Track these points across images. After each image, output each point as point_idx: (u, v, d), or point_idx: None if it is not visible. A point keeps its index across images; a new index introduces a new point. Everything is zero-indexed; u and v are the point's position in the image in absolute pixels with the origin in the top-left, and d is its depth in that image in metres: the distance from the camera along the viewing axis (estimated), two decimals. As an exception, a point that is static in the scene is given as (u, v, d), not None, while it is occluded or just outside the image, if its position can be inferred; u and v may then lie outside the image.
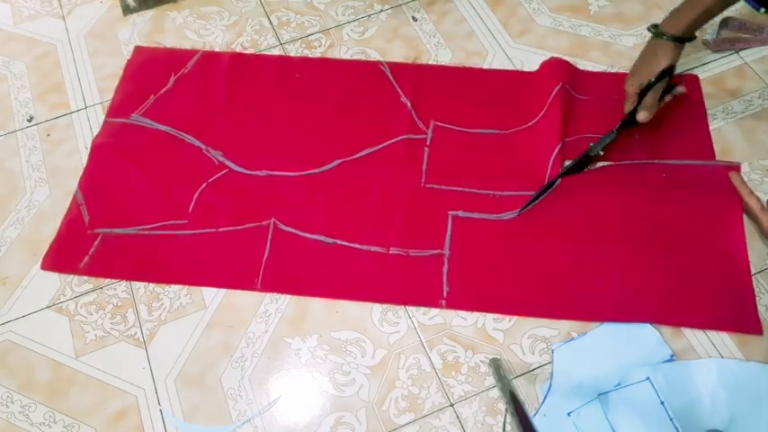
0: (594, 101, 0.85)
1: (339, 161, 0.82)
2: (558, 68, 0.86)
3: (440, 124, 0.84)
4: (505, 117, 0.85)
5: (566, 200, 0.77)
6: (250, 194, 0.80)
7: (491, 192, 0.79)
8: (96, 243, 0.77)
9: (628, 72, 0.79)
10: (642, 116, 0.77)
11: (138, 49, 0.95)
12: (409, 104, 0.86)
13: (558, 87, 0.83)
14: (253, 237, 0.77)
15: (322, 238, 0.76)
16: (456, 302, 0.72)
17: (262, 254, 0.76)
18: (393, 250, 0.75)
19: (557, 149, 0.79)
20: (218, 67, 0.92)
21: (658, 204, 0.76)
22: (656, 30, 0.74)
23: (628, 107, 0.78)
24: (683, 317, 0.69)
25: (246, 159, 0.83)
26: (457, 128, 0.84)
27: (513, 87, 0.88)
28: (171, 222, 0.78)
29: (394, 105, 0.87)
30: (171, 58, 0.93)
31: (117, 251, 0.77)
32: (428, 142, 0.83)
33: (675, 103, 0.82)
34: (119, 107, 0.89)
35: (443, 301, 0.72)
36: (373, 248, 0.75)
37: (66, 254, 0.77)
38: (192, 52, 0.93)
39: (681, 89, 0.81)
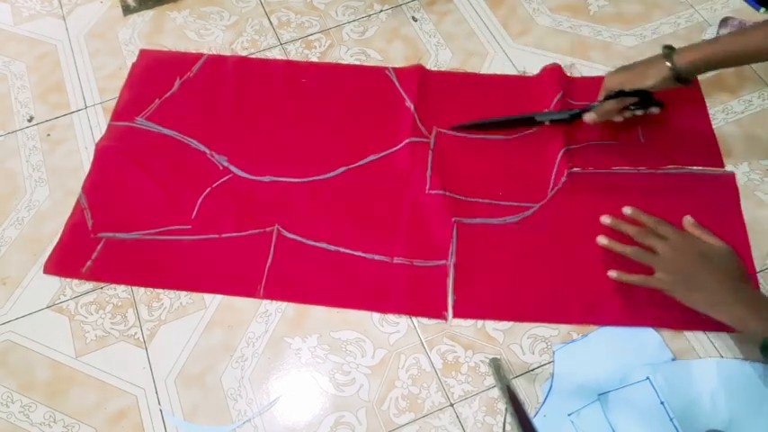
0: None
1: (344, 168, 0.82)
2: (556, 77, 0.87)
3: (442, 131, 0.84)
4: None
5: (570, 205, 0.77)
6: (254, 200, 0.80)
7: (495, 201, 0.78)
8: (99, 247, 0.77)
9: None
10: (588, 117, 0.78)
11: (143, 53, 0.95)
12: (413, 108, 0.86)
13: (558, 96, 0.84)
14: (256, 243, 0.76)
15: (326, 245, 0.76)
16: (461, 312, 0.72)
17: (265, 261, 0.75)
18: (397, 260, 0.75)
19: (559, 156, 0.80)
20: (223, 72, 0.91)
21: (660, 209, 0.76)
22: (667, 51, 0.72)
23: (600, 95, 0.79)
24: (687, 321, 0.69)
25: (251, 165, 0.82)
26: (459, 134, 0.84)
27: (516, 93, 0.88)
28: (174, 227, 0.78)
29: (398, 110, 0.86)
30: (176, 62, 0.93)
31: (120, 256, 0.77)
32: (432, 146, 0.83)
33: (676, 104, 0.82)
34: (123, 110, 0.88)
35: (447, 313, 0.72)
36: (377, 257, 0.75)
37: (68, 258, 0.77)
38: (198, 56, 0.93)
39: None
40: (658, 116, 0.79)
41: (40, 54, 0.96)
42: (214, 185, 0.81)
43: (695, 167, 0.79)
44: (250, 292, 0.74)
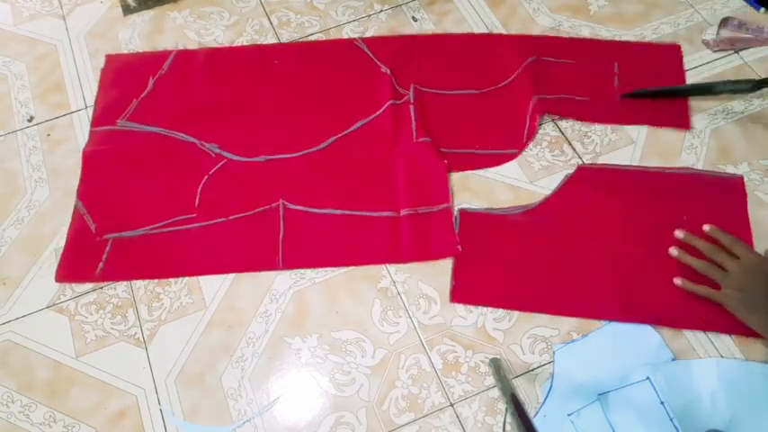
0: (577, 65, 0.89)
1: (333, 138, 0.84)
2: (529, 43, 0.91)
3: (420, 88, 0.88)
4: (481, 78, 0.89)
5: (576, 202, 0.78)
6: (253, 180, 0.81)
7: (473, 151, 0.83)
8: (107, 248, 0.77)
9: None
10: None
11: (109, 57, 0.94)
12: (389, 72, 0.89)
13: (531, 59, 0.88)
14: (265, 220, 0.78)
15: (332, 211, 0.78)
16: (459, 297, 0.73)
17: (277, 234, 0.77)
18: (404, 212, 0.77)
19: (532, 104, 0.84)
20: (195, 65, 0.92)
21: (668, 209, 0.76)
22: None
23: None
24: (686, 319, 0.69)
25: (242, 148, 0.84)
26: (436, 91, 0.87)
27: (486, 51, 0.92)
28: (179, 218, 0.79)
29: (375, 77, 0.89)
30: (145, 62, 0.93)
31: (130, 253, 0.77)
32: (412, 101, 0.86)
33: (654, 65, 0.88)
34: (102, 116, 0.88)
35: (460, 247, 0.74)
36: (384, 213, 0.78)
37: (78, 263, 0.77)
38: (166, 53, 0.94)
39: None
40: (636, 77, 0.85)
41: (40, 54, 0.96)
42: (210, 172, 0.82)
43: (699, 170, 0.79)
44: (270, 266, 0.75)
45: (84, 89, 0.92)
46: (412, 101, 0.86)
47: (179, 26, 0.98)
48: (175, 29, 0.98)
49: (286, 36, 0.96)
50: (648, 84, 0.85)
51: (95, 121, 0.88)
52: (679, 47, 0.89)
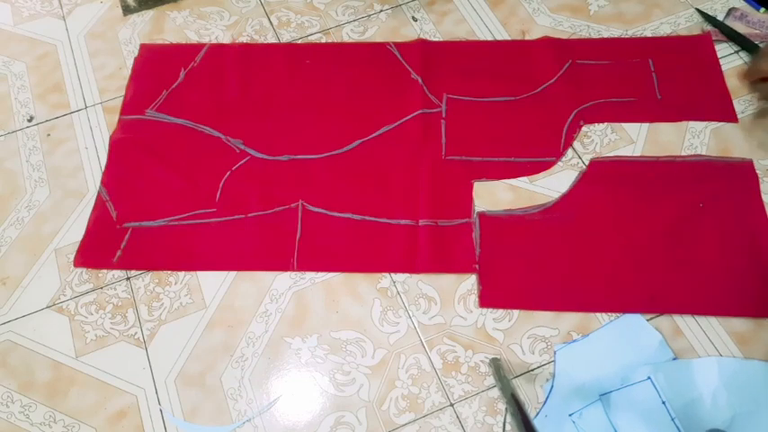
0: (613, 66, 0.88)
1: (359, 141, 0.84)
2: (558, 43, 0.90)
3: (452, 96, 0.86)
4: (515, 85, 0.87)
5: (590, 195, 0.78)
6: (275, 179, 0.82)
7: (510, 159, 0.81)
8: (127, 237, 0.78)
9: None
10: None
11: (143, 47, 0.95)
12: (420, 80, 0.88)
13: (567, 65, 0.87)
14: (283, 219, 0.78)
15: (351, 215, 0.78)
16: (487, 302, 0.72)
17: (294, 235, 0.77)
18: (422, 222, 0.77)
19: (572, 115, 0.83)
20: (227, 58, 0.93)
21: (680, 196, 0.77)
22: None
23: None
24: (714, 307, 0.70)
25: (267, 146, 0.84)
26: (469, 98, 0.86)
27: (519, 56, 0.91)
28: (199, 212, 0.79)
29: (405, 82, 0.89)
30: (178, 53, 0.94)
31: (149, 243, 0.78)
32: (444, 115, 0.85)
33: (690, 61, 0.87)
34: (131, 104, 0.89)
35: (477, 266, 0.74)
36: (402, 222, 0.77)
37: (97, 249, 0.78)
38: (200, 46, 0.94)
39: None
40: (673, 72, 0.85)
41: (40, 54, 0.96)
42: (234, 168, 0.82)
43: (710, 157, 0.80)
44: (283, 267, 0.76)
45: (84, 89, 0.92)
46: (444, 115, 0.85)
47: (179, 26, 0.98)
48: (175, 29, 0.98)
49: (286, 36, 0.96)
50: (687, 78, 0.85)
51: (125, 109, 0.89)
52: (710, 36, 0.90)
